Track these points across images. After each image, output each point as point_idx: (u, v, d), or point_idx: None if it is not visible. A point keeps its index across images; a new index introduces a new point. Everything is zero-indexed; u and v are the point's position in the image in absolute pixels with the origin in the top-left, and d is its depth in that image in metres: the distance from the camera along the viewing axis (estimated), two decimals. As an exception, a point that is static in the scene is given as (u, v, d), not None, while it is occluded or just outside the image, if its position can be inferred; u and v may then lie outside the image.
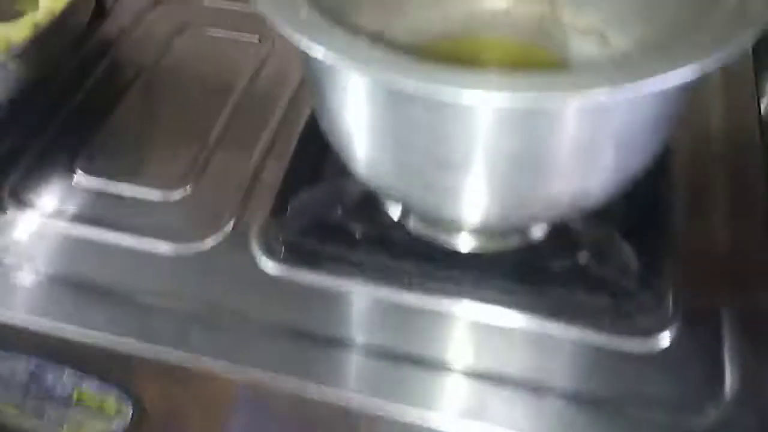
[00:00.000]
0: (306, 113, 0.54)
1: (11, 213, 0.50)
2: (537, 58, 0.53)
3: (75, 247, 0.48)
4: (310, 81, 0.41)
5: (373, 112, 0.36)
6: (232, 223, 0.48)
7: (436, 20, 0.54)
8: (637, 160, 0.39)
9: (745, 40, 0.31)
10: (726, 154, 0.51)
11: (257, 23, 0.59)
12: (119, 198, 0.51)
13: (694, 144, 0.51)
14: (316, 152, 0.50)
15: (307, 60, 0.37)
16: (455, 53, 0.53)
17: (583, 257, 0.45)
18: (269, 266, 0.46)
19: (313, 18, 0.34)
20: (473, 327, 0.43)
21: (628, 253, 0.43)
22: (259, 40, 0.61)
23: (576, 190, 0.38)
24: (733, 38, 0.31)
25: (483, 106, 0.32)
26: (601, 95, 0.30)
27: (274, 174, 0.51)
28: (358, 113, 0.37)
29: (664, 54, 0.32)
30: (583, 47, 0.52)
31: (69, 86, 0.58)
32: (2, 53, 0.49)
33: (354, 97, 0.36)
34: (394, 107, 0.35)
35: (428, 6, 0.54)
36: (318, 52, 0.32)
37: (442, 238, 0.46)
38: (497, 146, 0.35)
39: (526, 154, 0.35)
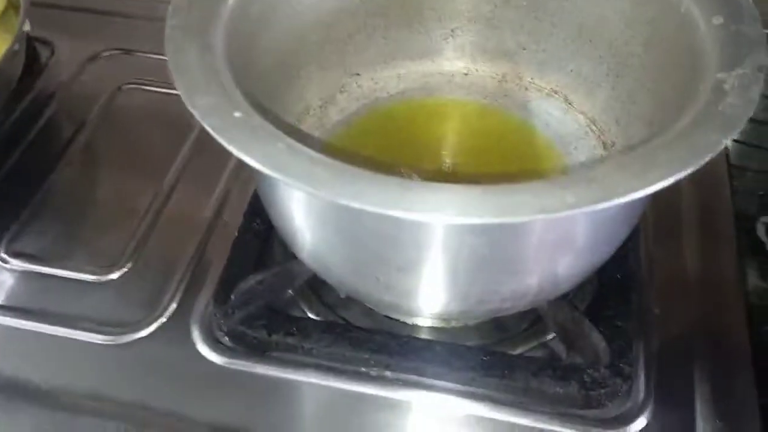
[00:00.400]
0: (252, 185, 0.50)
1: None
2: (496, 119, 0.50)
3: (1, 339, 0.44)
4: (253, 174, 0.38)
5: (321, 218, 0.33)
6: (172, 308, 0.45)
7: (391, 80, 0.51)
8: (604, 251, 0.37)
9: (718, 147, 0.29)
10: (696, 222, 0.49)
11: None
12: (50, 278, 0.47)
13: (664, 215, 0.49)
14: (263, 230, 0.46)
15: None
16: (411, 115, 0.50)
17: (551, 342, 0.42)
18: (212, 357, 0.42)
19: (250, 119, 0.31)
20: (437, 418, 0.40)
21: (596, 338, 0.40)
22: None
23: (540, 284, 0.36)
24: (706, 145, 0.29)
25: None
26: (564, 214, 0.27)
27: (217, 253, 0.47)
28: (304, 216, 0.34)
29: (631, 162, 0.29)
30: (544, 107, 0.49)
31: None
32: None
33: (299, 204, 0.33)
34: (342, 216, 0.32)
35: (383, 66, 0.51)
36: (256, 165, 0.29)
37: (400, 322, 0.43)
38: (457, 252, 0.32)
39: (487, 258, 0.32)
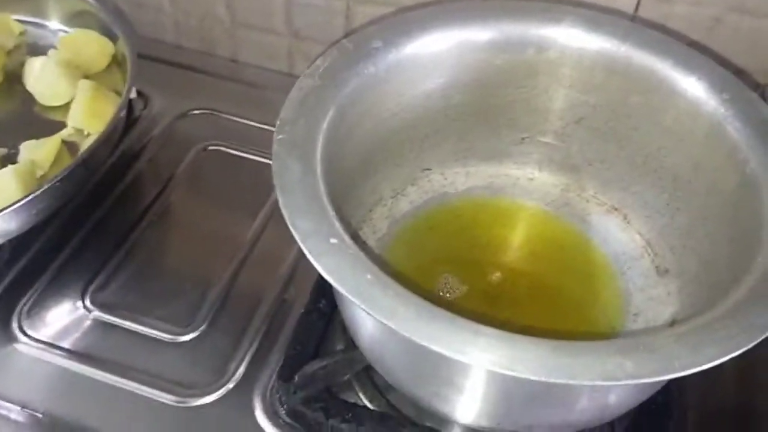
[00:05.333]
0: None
1: (15, 341, 0.49)
2: (556, 227, 0.53)
3: (74, 386, 0.47)
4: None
5: (389, 338, 0.36)
6: (238, 375, 0.48)
7: (459, 176, 0.54)
8: (653, 389, 0.39)
9: (763, 333, 0.31)
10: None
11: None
12: (128, 333, 0.50)
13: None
14: (328, 312, 0.50)
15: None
16: (475, 212, 0.53)
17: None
18: (270, 431, 0.46)
19: (344, 247, 0.34)
20: None
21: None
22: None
23: (589, 418, 0.38)
24: (759, 326, 0.31)
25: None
26: (622, 383, 0.30)
27: (284, 326, 0.50)
28: (379, 332, 0.37)
29: (688, 335, 0.32)
30: (603, 223, 0.52)
31: (89, 203, 0.57)
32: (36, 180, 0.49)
33: (375, 324, 0.36)
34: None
35: (453, 164, 0.54)
36: (347, 294, 0.32)
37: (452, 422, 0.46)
38: (514, 391, 0.35)
39: (542, 398, 0.35)
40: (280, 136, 0.39)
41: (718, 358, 0.31)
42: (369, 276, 0.33)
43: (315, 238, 0.35)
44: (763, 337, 0.32)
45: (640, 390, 0.37)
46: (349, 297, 0.32)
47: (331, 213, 0.36)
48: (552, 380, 0.30)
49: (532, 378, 0.30)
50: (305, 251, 0.34)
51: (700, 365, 0.30)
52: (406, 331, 0.31)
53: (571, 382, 0.30)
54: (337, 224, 0.36)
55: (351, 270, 0.34)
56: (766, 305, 0.33)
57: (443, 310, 0.33)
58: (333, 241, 0.35)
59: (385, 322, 0.32)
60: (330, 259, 0.34)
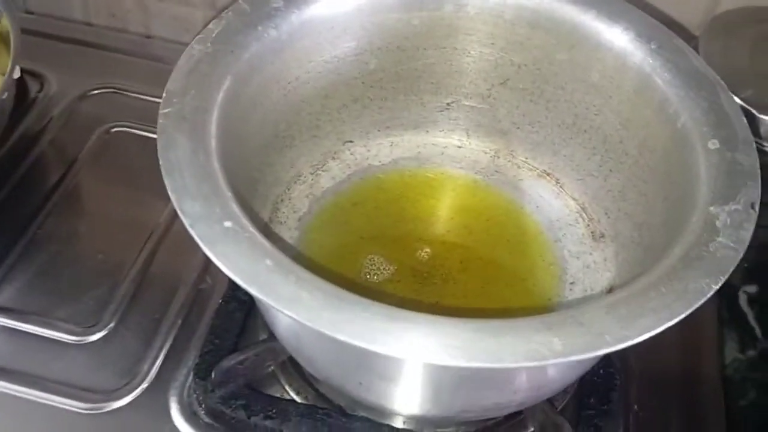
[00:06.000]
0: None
1: None
2: (487, 196, 0.50)
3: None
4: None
5: (303, 328, 0.33)
6: (151, 376, 0.44)
7: (384, 147, 0.51)
8: (588, 365, 0.37)
9: (707, 294, 0.29)
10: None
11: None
12: (28, 336, 0.46)
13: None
14: (247, 300, 0.46)
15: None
16: (402, 185, 0.50)
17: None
18: (188, 433, 0.42)
19: (240, 231, 0.31)
20: None
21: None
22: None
23: (524, 398, 0.36)
24: (695, 292, 0.29)
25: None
26: (551, 362, 0.27)
27: (200, 319, 0.47)
28: (291, 323, 0.33)
29: (620, 306, 0.29)
30: (535, 188, 0.49)
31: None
32: None
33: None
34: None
35: (376, 134, 0.51)
36: (243, 284, 0.29)
37: (380, 420, 0.43)
38: (440, 376, 0.32)
39: (471, 381, 0.33)
40: (167, 110, 0.35)
41: (653, 329, 0.28)
42: (268, 262, 0.30)
43: (206, 222, 0.31)
44: (699, 303, 0.29)
45: (575, 365, 0.35)
46: (245, 286, 0.29)
47: (227, 194, 0.32)
48: (473, 365, 0.27)
49: (451, 364, 0.27)
50: (195, 237, 0.30)
51: (633, 338, 0.28)
52: (309, 321, 0.28)
53: (494, 365, 0.27)
54: (233, 206, 0.32)
55: (248, 256, 0.30)
56: (702, 269, 0.30)
57: (354, 295, 0.29)
58: (227, 224, 0.31)
59: (287, 312, 0.28)
60: (224, 245, 0.30)
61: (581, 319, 0.28)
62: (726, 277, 0.30)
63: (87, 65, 0.62)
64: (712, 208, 0.33)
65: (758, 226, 0.32)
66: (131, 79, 0.61)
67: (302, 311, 0.28)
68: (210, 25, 0.39)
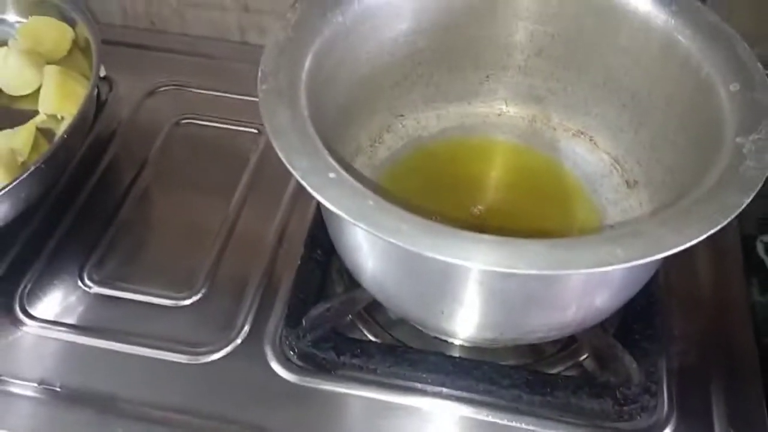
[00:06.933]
0: (311, 207, 0.56)
1: (20, 324, 0.50)
2: (527, 157, 0.56)
3: (85, 358, 0.49)
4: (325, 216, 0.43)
5: (398, 262, 0.38)
6: (245, 331, 0.50)
7: (431, 119, 0.56)
8: (638, 285, 0.42)
9: (741, 206, 0.34)
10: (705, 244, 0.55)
11: (255, 113, 0.61)
12: (131, 303, 0.52)
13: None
14: (323, 261, 0.51)
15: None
16: (451, 152, 0.56)
17: (584, 362, 0.48)
18: (285, 375, 0.48)
19: (343, 180, 0.36)
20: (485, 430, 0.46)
21: (628, 360, 0.45)
22: (258, 131, 0.62)
23: (584, 318, 0.41)
24: (731, 205, 0.35)
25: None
26: (619, 267, 0.33)
27: (282, 279, 0.52)
28: (381, 260, 0.39)
29: (669, 219, 0.35)
30: (571, 147, 0.55)
31: (72, 187, 0.58)
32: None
33: (376, 249, 0.39)
34: (416, 261, 0.37)
35: (424, 108, 0.56)
36: (353, 221, 0.34)
37: (447, 342, 0.48)
38: (516, 293, 0.37)
39: (541, 298, 0.38)
40: (264, 86, 0.40)
41: (700, 235, 0.34)
42: (371, 202, 0.36)
43: (314, 174, 0.36)
44: (735, 213, 0.35)
45: (630, 282, 0.40)
46: (355, 222, 0.34)
47: (325, 151, 0.38)
48: (552, 272, 0.33)
49: (534, 272, 0.33)
50: (307, 187, 0.36)
51: (684, 243, 0.33)
52: (412, 246, 0.34)
53: (569, 272, 0.33)
54: (332, 160, 0.37)
55: (352, 199, 0.36)
56: (735, 187, 0.36)
57: (443, 225, 0.35)
58: (331, 175, 0.37)
59: (392, 240, 0.34)
60: (331, 191, 0.36)
61: (638, 231, 0.34)
62: (755, 192, 0.35)
63: (149, 67, 0.68)
64: (738, 139, 0.38)
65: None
66: (185, 75, 0.67)
67: (406, 239, 0.34)
68: (288, 14, 0.45)
